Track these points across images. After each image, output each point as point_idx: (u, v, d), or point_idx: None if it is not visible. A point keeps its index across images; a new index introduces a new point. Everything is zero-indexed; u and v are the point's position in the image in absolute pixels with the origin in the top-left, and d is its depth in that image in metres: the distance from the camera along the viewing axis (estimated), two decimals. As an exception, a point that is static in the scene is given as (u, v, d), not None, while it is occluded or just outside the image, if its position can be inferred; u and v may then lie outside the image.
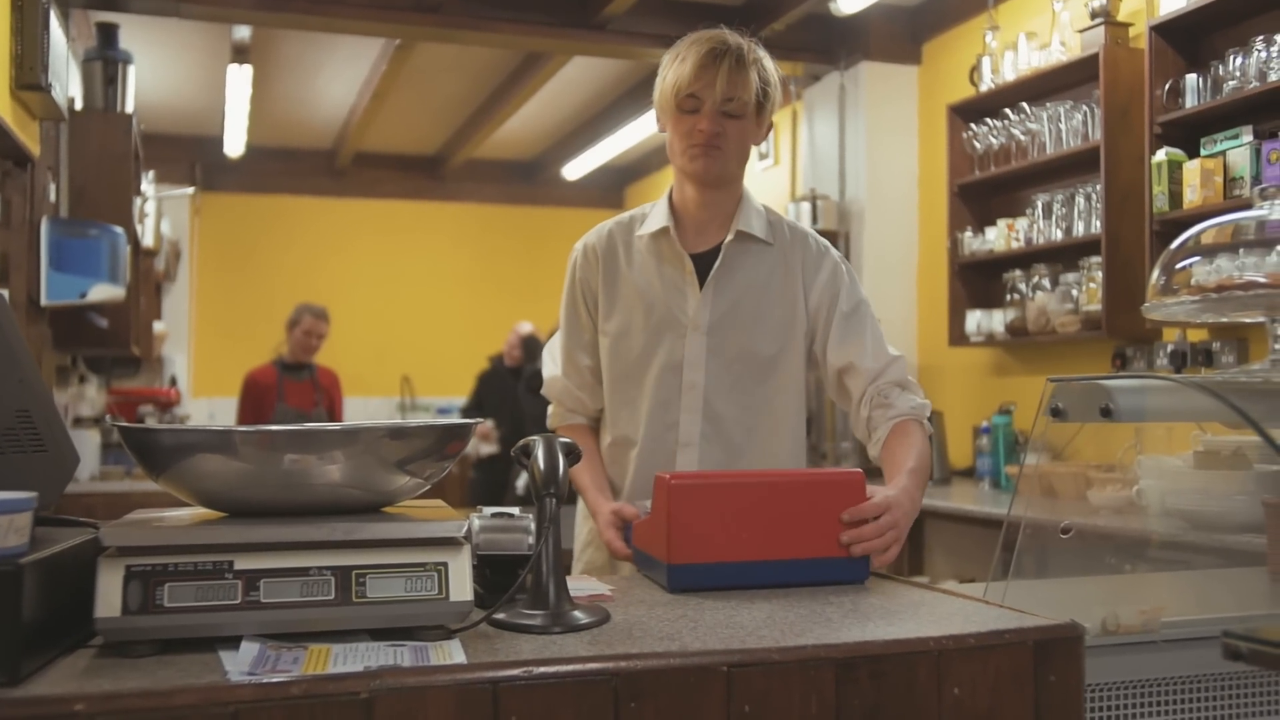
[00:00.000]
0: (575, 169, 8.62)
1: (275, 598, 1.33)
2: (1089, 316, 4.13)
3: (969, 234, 4.82)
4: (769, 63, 2.02)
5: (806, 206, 5.63)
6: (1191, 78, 3.73)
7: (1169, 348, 3.98)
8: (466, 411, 7.04)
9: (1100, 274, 4.06)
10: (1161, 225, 3.75)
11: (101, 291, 4.18)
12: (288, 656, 1.29)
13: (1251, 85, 3.51)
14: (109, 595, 1.28)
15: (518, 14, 5.21)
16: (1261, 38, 3.50)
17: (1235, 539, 2.37)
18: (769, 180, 6.86)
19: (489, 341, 7.83)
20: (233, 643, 1.32)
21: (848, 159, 5.65)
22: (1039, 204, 4.44)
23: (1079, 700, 1.44)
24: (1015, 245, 4.54)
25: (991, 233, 4.71)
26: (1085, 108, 4.24)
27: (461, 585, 1.39)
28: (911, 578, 2.09)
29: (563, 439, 1.56)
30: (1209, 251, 1.73)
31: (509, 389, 6.64)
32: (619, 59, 5.89)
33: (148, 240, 5.56)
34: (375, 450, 1.44)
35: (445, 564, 1.39)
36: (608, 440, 2.14)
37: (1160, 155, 3.72)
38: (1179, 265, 1.76)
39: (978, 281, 4.89)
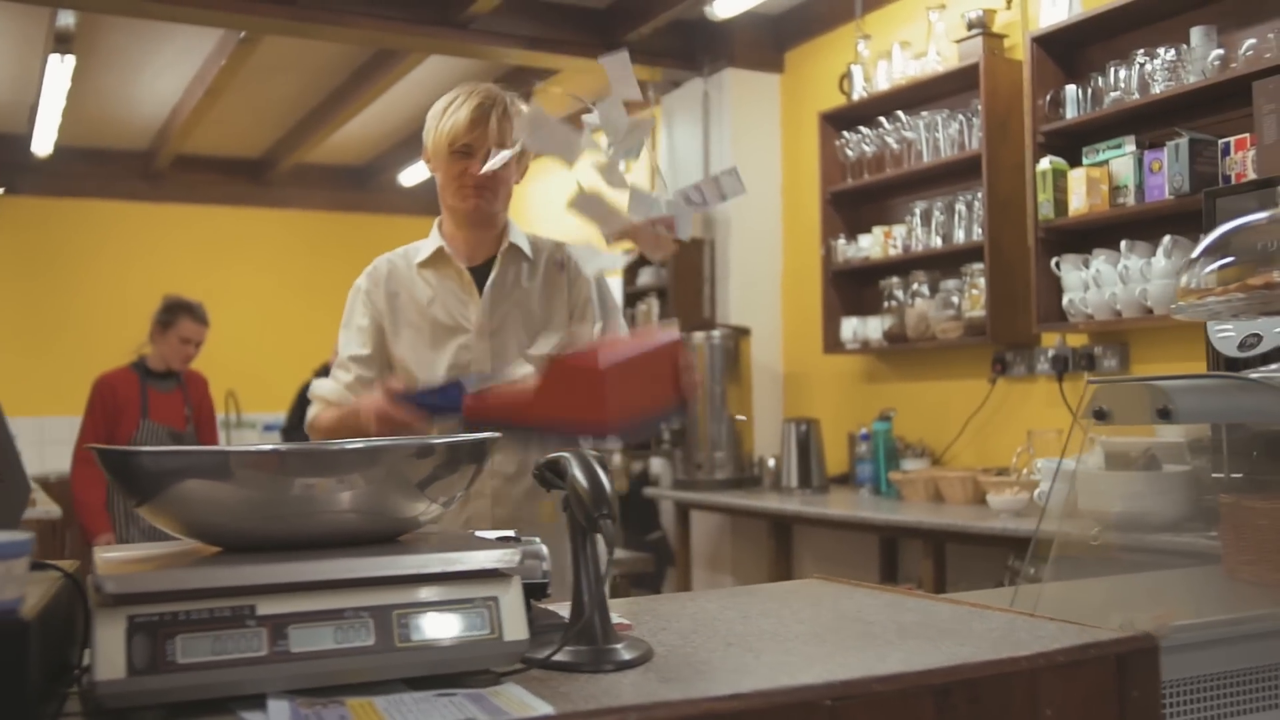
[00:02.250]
0: (413, 175, 8.33)
1: (306, 646, 1.14)
2: (971, 322, 4.18)
3: (842, 241, 4.84)
4: (514, 103, 2.23)
5: (672, 214, 5.55)
6: (1071, 89, 3.82)
7: (1050, 353, 4.07)
8: (290, 429, 6.50)
9: (983, 280, 4.12)
10: (1046, 232, 3.83)
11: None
12: (331, 715, 1.10)
13: (1134, 97, 3.62)
14: (110, 654, 1.06)
15: (377, 9, 4.97)
16: (1143, 51, 3.61)
17: (1172, 540, 2.39)
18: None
19: (318, 353, 7.44)
20: (255, 702, 1.12)
21: (712, 167, 5.61)
22: (917, 211, 4.48)
23: (1158, 713, 1.38)
24: (893, 252, 4.58)
25: (866, 240, 4.74)
26: (962, 117, 4.31)
27: (515, 622, 1.22)
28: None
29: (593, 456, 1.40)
30: (1242, 252, 1.69)
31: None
32: (479, 59, 5.69)
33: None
34: (399, 471, 1.26)
35: (495, 598, 1.22)
36: None
37: (1044, 164, 3.79)
38: (1214, 266, 1.71)
39: (850, 289, 4.91)
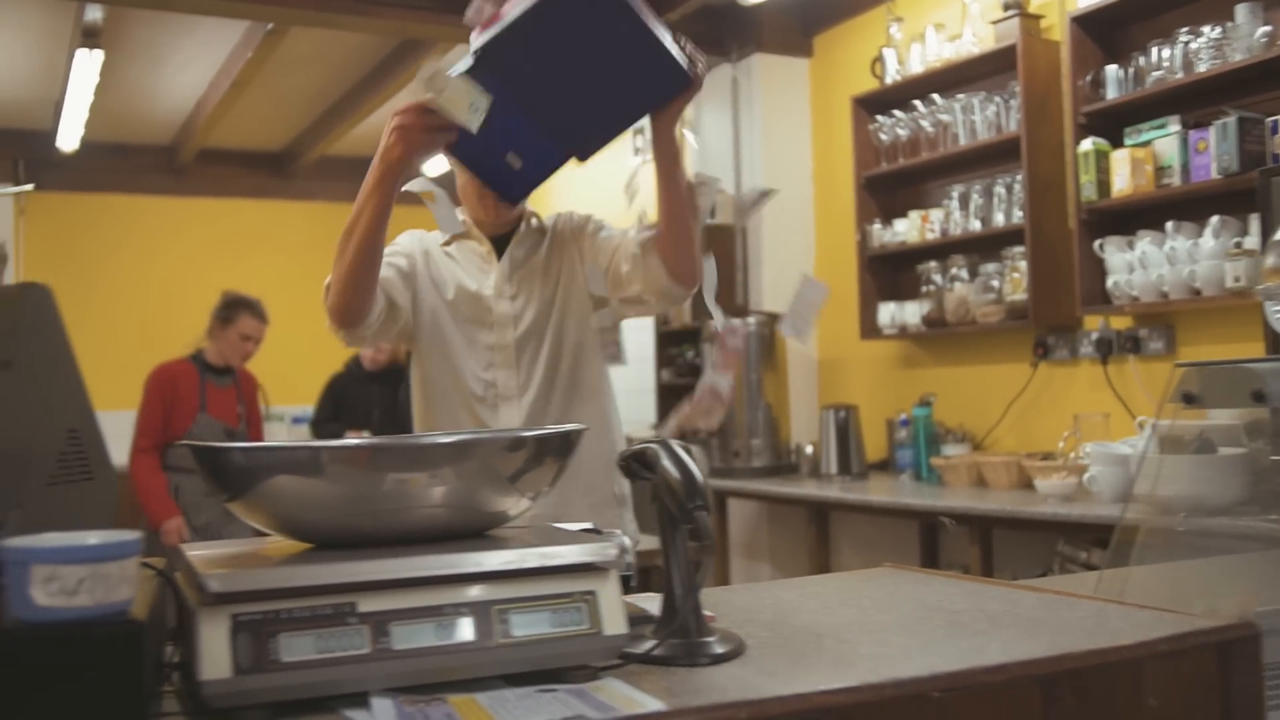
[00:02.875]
0: (436, 165, 8.30)
1: (408, 644, 1.12)
2: (1013, 306, 4.14)
3: (878, 226, 4.80)
4: None
5: (703, 201, 5.52)
6: (1112, 69, 3.78)
7: (1093, 336, 4.03)
8: (319, 422, 6.46)
9: (1024, 263, 4.08)
10: (1089, 214, 3.79)
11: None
12: (436, 713, 1.08)
13: (1177, 76, 3.57)
14: (215, 653, 1.04)
15: (404, -2, 4.95)
16: (1187, 29, 3.56)
17: (1242, 524, 2.36)
18: (644, 175, 6.73)
19: (344, 346, 7.43)
20: (357, 701, 1.10)
21: (743, 153, 5.58)
22: (955, 195, 4.44)
23: (1261, 703, 1.35)
24: (930, 236, 4.54)
25: (902, 225, 4.70)
26: (999, 99, 4.26)
27: (615, 616, 1.20)
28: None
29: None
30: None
31: (370, 395, 6.20)
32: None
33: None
34: (492, 465, 1.24)
35: (593, 592, 1.20)
36: (430, 403, 2.29)
37: (1086, 145, 3.75)
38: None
39: (886, 274, 4.88)
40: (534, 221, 2.33)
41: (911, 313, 4.66)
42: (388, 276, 2.19)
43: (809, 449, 4.93)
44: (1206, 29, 3.50)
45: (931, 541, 4.69)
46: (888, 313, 4.76)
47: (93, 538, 0.95)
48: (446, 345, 2.25)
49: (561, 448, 1.30)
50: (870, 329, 4.84)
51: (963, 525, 3.94)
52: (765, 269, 5.49)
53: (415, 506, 1.21)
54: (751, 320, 5.13)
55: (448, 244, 2.30)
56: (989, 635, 1.35)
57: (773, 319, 5.20)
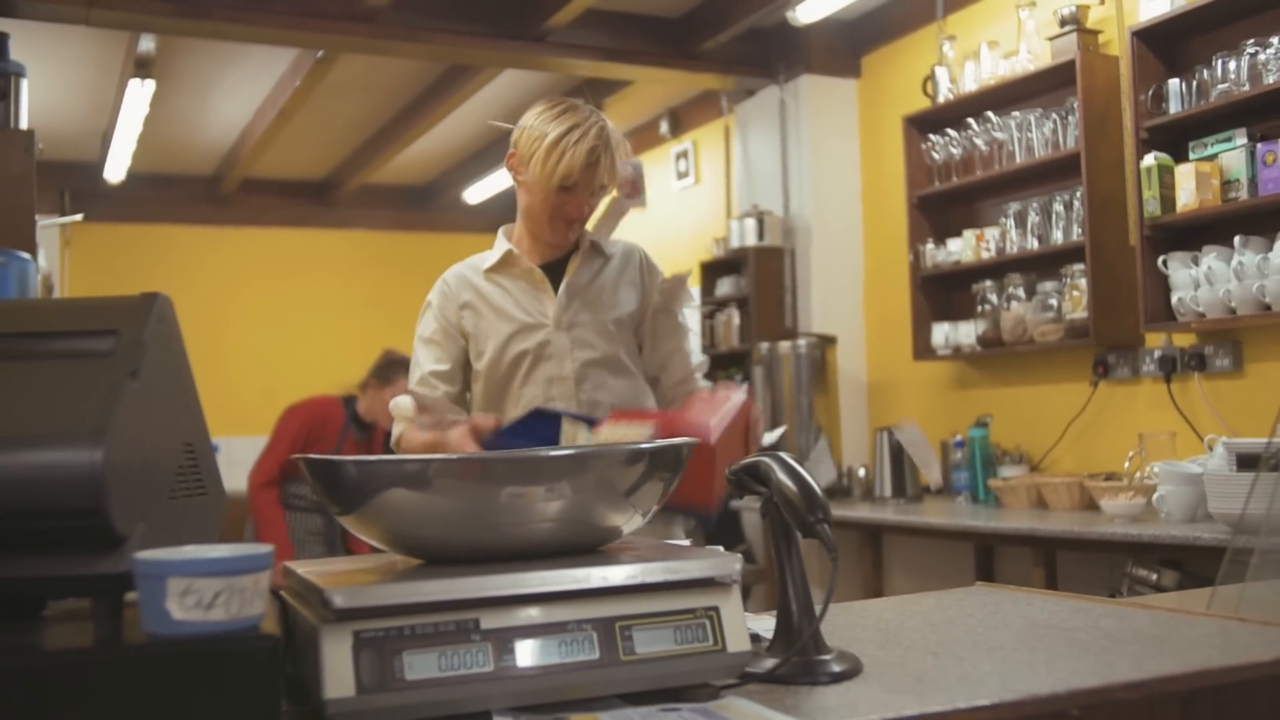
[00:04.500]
0: (477, 192, 8.33)
1: (532, 661, 1.09)
2: (1073, 324, 4.09)
3: (930, 246, 4.76)
4: (626, 148, 2.28)
5: (751, 223, 5.51)
6: (1174, 82, 3.73)
7: (1156, 354, 3.97)
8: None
9: (1084, 281, 4.03)
10: (1152, 229, 3.73)
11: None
12: (564, 732, 1.05)
13: (1244, 88, 3.52)
14: (339, 670, 1.02)
15: (455, 24, 4.96)
16: (1253, 41, 3.52)
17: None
18: (688, 199, 6.73)
19: (387, 374, 7.45)
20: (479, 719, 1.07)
21: (791, 174, 5.55)
22: (1011, 213, 4.40)
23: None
24: (985, 255, 4.49)
25: (955, 244, 4.65)
26: (1056, 115, 4.22)
27: (737, 633, 1.17)
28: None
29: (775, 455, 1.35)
30: None
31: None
32: (556, 72, 5.67)
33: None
34: (607, 479, 1.22)
35: (717, 608, 1.17)
36: None
37: (1149, 160, 3.70)
38: None
39: (939, 294, 4.83)
40: (591, 243, 2.33)
41: (966, 333, 4.61)
42: (449, 370, 2.28)
43: (861, 472, 4.88)
44: (1275, 40, 3.45)
45: (988, 565, 4.62)
46: (941, 333, 4.70)
47: (225, 550, 0.93)
48: (505, 380, 2.26)
49: (674, 462, 1.27)
50: (923, 349, 4.79)
51: (1024, 547, 3.87)
52: (814, 291, 5.45)
53: (530, 521, 1.18)
54: (802, 343, 5.09)
55: (493, 270, 2.29)
56: (1114, 652, 1.30)
57: (823, 341, 5.16)
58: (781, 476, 1.28)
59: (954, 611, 1.64)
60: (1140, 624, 1.47)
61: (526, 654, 1.08)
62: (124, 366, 0.98)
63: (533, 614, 1.09)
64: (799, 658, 1.25)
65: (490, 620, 1.08)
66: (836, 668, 1.24)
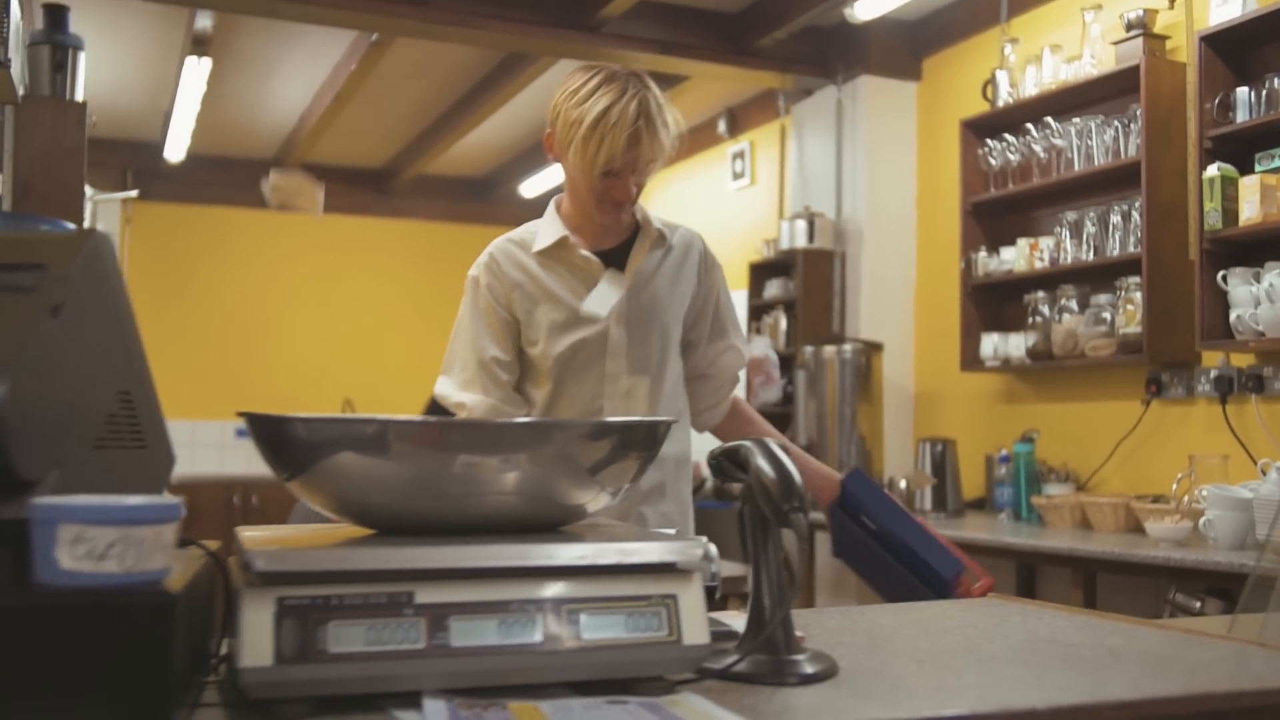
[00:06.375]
0: (533, 186, 8.30)
1: (467, 640, 1.02)
2: (1126, 339, 3.94)
3: (983, 254, 4.63)
4: (670, 115, 2.07)
5: (802, 225, 5.40)
6: (1243, 90, 3.58)
7: (1212, 374, 3.81)
8: None
9: (1140, 295, 3.88)
10: (1212, 243, 3.58)
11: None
12: (494, 719, 0.98)
13: (1316, 98, 3.37)
14: (257, 638, 0.95)
15: (509, 11, 4.92)
16: (1327, 49, 3.36)
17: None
18: (743, 200, 6.64)
19: (436, 365, 7.42)
20: (409, 700, 1.00)
21: (845, 177, 5.44)
22: (1067, 222, 4.26)
23: None
24: (1039, 265, 4.35)
25: (1009, 253, 4.52)
26: (1117, 122, 4.07)
27: (696, 624, 1.09)
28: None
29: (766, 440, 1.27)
30: None
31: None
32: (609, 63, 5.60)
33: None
34: (570, 453, 1.14)
35: (674, 596, 1.09)
36: None
37: (1212, 171, 3.54)
38: None
39: (991, 304, 4.69)
40: (653, 224, 2.15)
41: (1016, 345, 4.47)
42: (510, 360, 2.10)
43: (903, 483, 4.75)
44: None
45: (1029, 583, 4.48)
46: (990, 344, 4.57)
47: (127, 501, 0.87)
48: (556, 374, 2.09)
49: (647, 440, 1.19)
50: (971, 360, 4.66)
51: (1064, 568, 3.73)
52: (864, 296, 5.33)
53: (484, 493, 1.11)
54: (848, 348, 4.98)
55: (544, 252, 2.11)
56: (1112, 671, 1.21)
57: (869, 347, 5.04)
58: (760, 462, 1.20)
59: (955, 621, 1.55)
60: (1150, 644, 1.36)
61: (463, 633, 1.01)
62: (45, 302, 0.93)
63: (472, 590, 1.02)
64: (768, 656, 1.17)
65: (425, 594, 1.01)
66: (808, 669, 1.16)
